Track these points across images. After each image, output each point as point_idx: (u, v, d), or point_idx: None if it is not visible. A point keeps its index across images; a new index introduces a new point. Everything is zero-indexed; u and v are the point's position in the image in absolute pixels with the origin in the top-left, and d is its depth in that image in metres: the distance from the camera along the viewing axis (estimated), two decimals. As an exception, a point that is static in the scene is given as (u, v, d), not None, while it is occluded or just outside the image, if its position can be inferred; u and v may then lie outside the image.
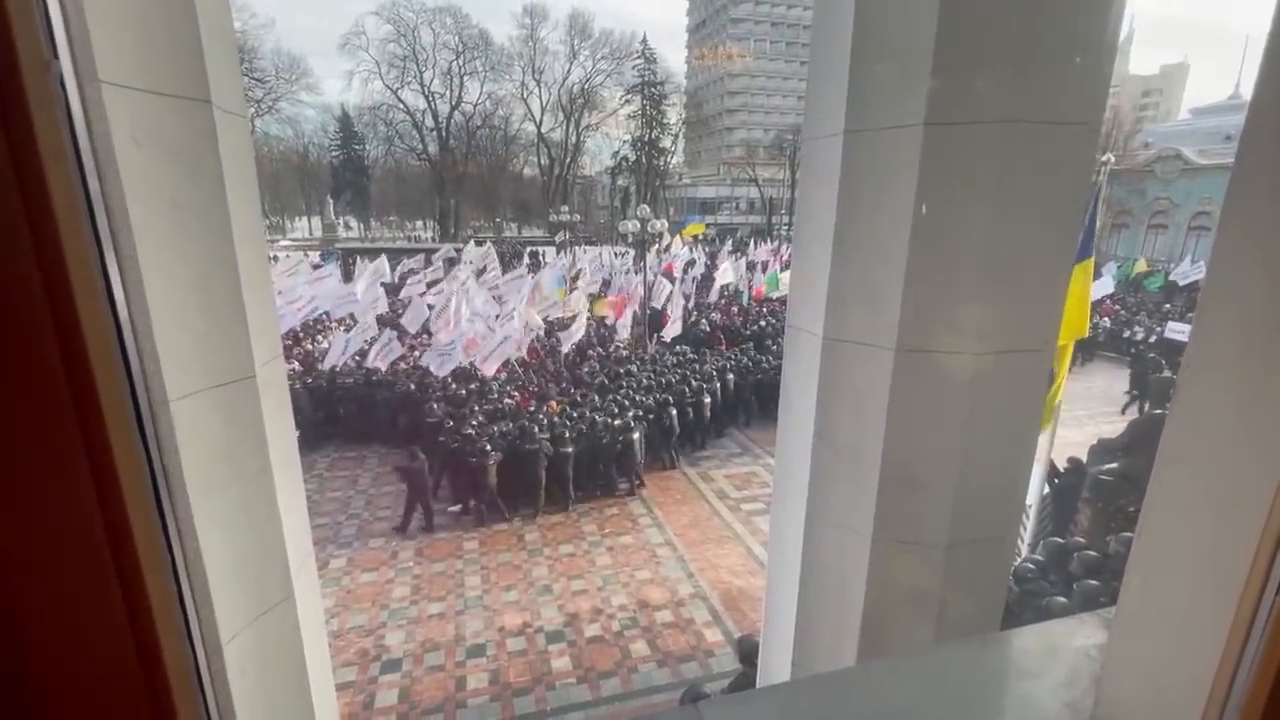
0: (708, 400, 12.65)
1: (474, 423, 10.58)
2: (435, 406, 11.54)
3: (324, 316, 18.09)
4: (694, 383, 12.91)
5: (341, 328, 17.11)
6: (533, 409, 11.47)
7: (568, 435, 10.28)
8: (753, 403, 14.16)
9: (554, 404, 11.60)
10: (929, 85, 2.28)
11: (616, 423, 10.78)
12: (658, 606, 8.01)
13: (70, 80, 0.39)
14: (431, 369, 12.61)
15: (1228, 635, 0.87)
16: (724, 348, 15.92)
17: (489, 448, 9.84)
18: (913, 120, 2.35)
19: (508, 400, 11.74)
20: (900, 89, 2.36)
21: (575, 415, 10.95)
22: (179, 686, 0.53)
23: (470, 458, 9.85)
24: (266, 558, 2.24)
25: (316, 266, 25.38)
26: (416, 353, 15.23)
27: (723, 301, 21.60)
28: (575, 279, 19.47)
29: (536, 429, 10.33)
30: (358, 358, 13.87)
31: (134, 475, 0.44)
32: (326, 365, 13.77)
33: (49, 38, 0.37)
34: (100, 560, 0.45)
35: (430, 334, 16.72)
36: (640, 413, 11.43)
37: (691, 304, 20.71)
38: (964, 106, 2.30)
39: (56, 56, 0.39)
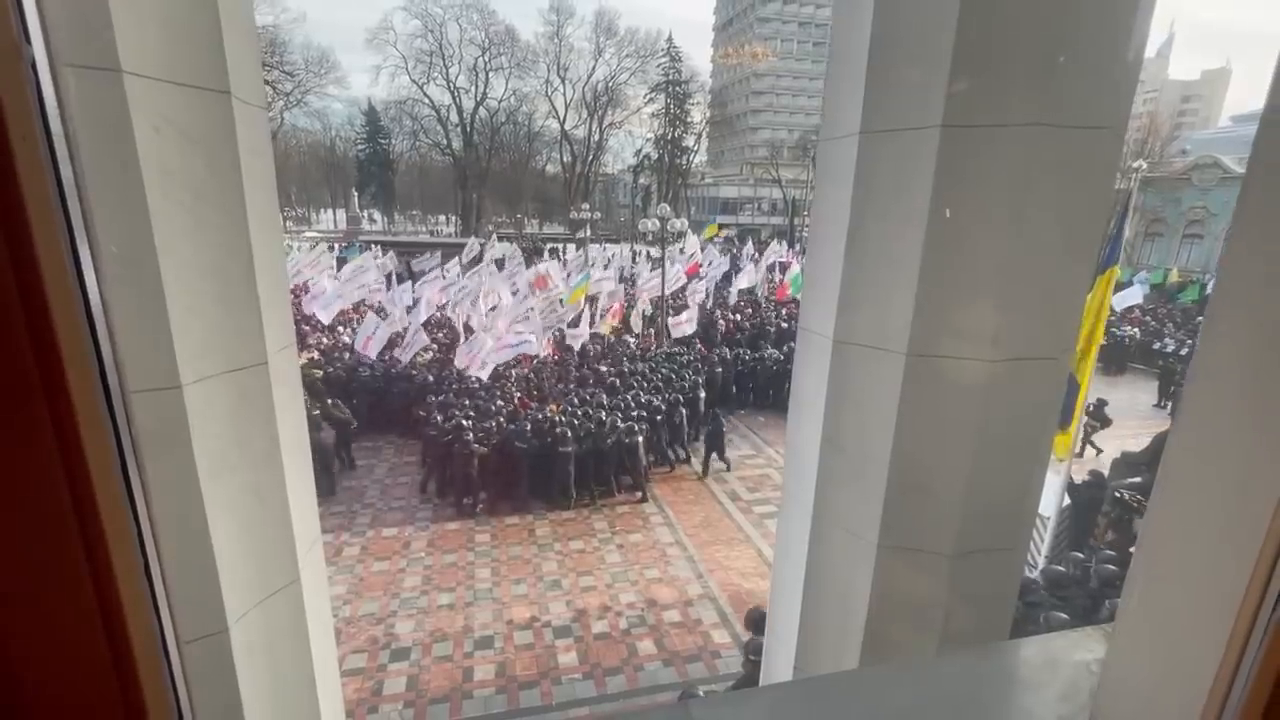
0: (702, 395, 13.15)
1: (467, 418, 10.64)
2: (431, 399, 11.65)
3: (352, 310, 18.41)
4: (689, 377, 13.36)
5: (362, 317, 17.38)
6: (533, 408, 11.49)
7: (569, 435, 10.18)
8: (737, 394, 15.23)
9: (555, 405, 11.60)
10: (947, 87, 2.25)
11: (622, 425, 10.68)
12: (666, 606, 8.01)
13: (44, 66, 0.40)
14: (457, 364, 12.72)
15: (1223, 653, 0.84)
16: (703, 349, 16.14)
17: (469, 437, 9.91)
18: (930, 122, 2.31)
19: (500, 402, 11.71)
20: (918, 90, 2.33)
21: (581, 415, 10.89)
22: (148, 679, 0.54)
23: (453, 445, 9.97)
24: (274, 541, 2.29)
25: (340, 260, 25.82)
26: (436, 346, 15.41)
27: (740, 303, 21.53)
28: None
29: (528, 427, 10.28)
30: (383, 358, 14.08)
31: (103, 463, 0.45)
32: (359, 347, 14.03)
33: (20, 22, 0.38)
34: (71, 553, 0.46)
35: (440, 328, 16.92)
36: (645, 413, 11.37)
37: (710, 303, 20.68)
38: (983, 109, 2.26)
39: (29, 41, 0.40)
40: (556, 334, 15.52)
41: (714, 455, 11.78)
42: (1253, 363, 0.90)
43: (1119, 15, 2.29)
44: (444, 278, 18.31)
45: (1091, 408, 12.08)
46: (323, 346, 15.60)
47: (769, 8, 67.96)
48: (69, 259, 0.42)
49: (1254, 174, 0.90)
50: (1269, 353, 0.88)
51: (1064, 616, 5.22)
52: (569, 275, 19.54)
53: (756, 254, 28.11)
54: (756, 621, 5.32)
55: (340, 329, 17.61)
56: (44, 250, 0.38)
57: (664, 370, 13.82)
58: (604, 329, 16.99)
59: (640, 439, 10.65)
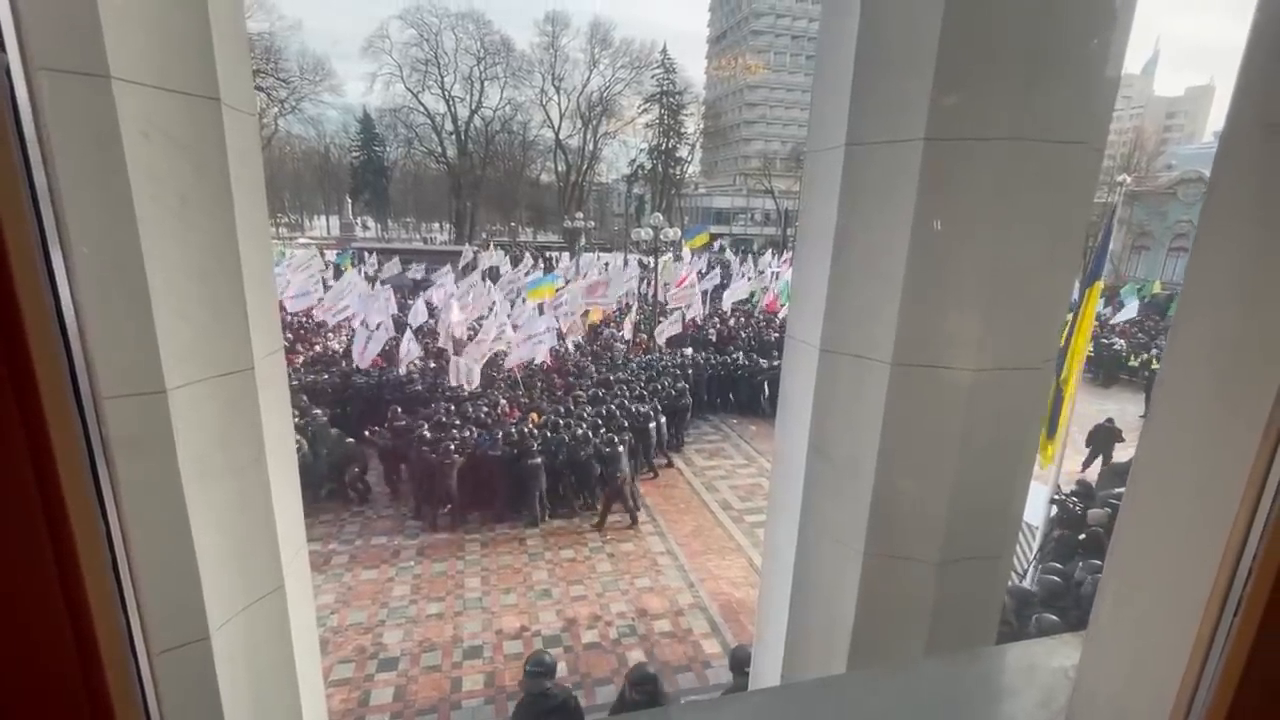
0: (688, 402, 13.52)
1: (450, 427, 10.51)
2: (398, 409, 11.52)
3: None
4: (668, 384, 13.51)
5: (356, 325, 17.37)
6: (517, 418, 11.38)
7: (535, 448, 9.85)
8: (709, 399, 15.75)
9: (535, 415, 11.51)
10: (930, 101, 2.29)
11: (601, 436, 10.46)
12: (656, 615, 7.97)
13: (18, 70, 0.41)
14: (457, 378, 12.61)
15: (1188, 659, 0.86)
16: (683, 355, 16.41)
17: (451, 446, 9.77)
18: (914, 135, 2.35)
19: (485, 409, 11.59)
20: (902, 103, 2.37)
21: (562, 426, 10.68)
22: (117, 689, 0.53)
23: (432, 454, 9.81)
24: (258, 548, 2.27)
25: (333, 264, 25.78)
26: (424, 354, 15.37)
27: (735, 311, 21.66)
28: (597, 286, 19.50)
29: (499, 436, 10.09)
30: (381, 362, 14.07)
31: (74, 467, 0.45)
32: (355, 356, 14.04)
33: (-8, 28, 0.39)
34: (40, 557, 0.46)
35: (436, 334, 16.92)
36: (628, 422, 11.26)
37: (705, 312, 20.77)
38: (965, 123, 2.30)
39: (3, 48, 0.41)
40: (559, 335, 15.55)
41: (625, 503, 10.19)
42: (1216, 374, 0.92)
43: (1098, 34, 2.35)
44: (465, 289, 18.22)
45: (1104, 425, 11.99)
46: (314, 353, 15.54)
47: (762, 21, 68.78)
48: (41, 263, 0.43)
49: (1216, 189, 0.93)
50: (1231, 364, 0.90)
51: (1054, 619, 5.25)
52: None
53: (743, 264, 28.30)
54: (740, 662, 5.21)
55: (331, 334, 17.55)
56: (16, 254, 0.39)
57: (643, 376, 13.90)
58: (594, 317, 17.10)
59: (622, 449, 10.36)
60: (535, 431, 10.47)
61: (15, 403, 0.41)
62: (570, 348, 16.33)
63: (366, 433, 11.15)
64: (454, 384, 12.38)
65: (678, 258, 26.26)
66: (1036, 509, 7.16)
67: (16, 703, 0.50)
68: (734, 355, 16.37)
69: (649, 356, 15.79)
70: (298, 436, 9.93)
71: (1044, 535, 7.41)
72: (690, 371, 14.92)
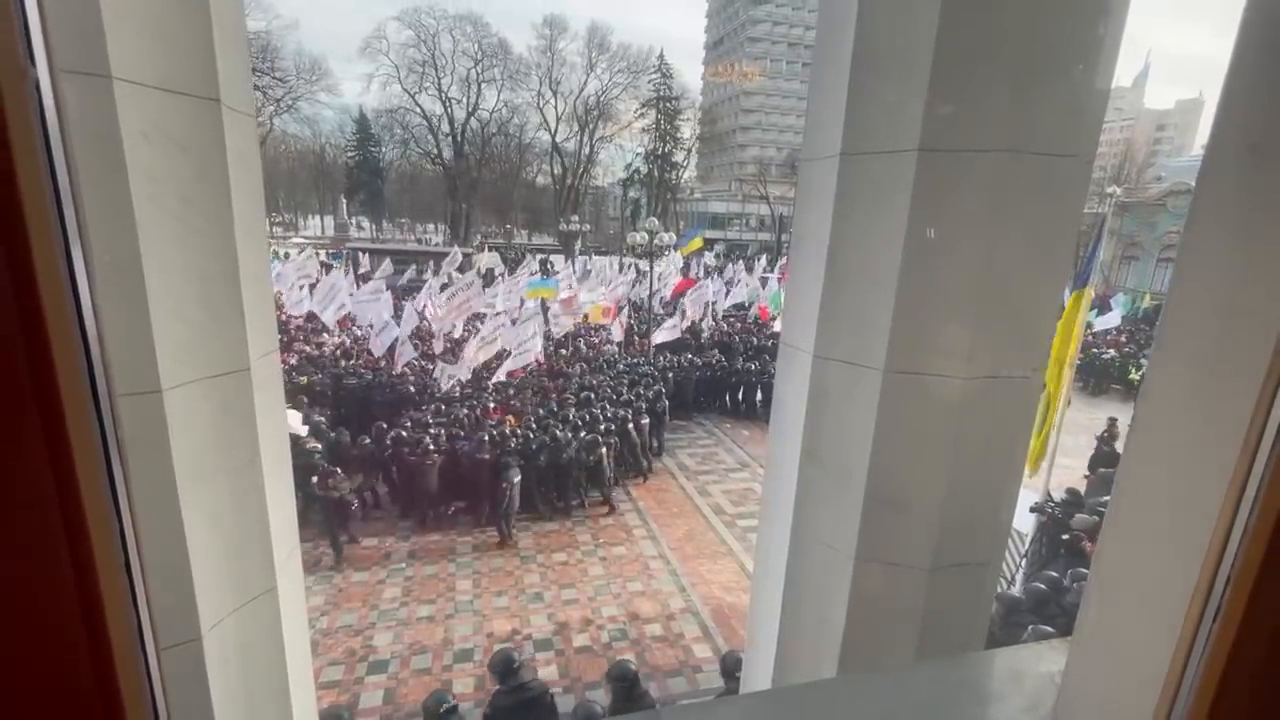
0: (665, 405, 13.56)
1: (434, 424, 10.49)
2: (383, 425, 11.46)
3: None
4: (648, 390, 13.58)
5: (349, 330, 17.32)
6: (494, 421, 11.35)
7: (513, 448, 9.78)
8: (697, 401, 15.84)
9: (514, 418, 11.46)
10: (924, 112, 2.32)
11: (583, 437, 10.39)
12: (648, 619, 7.97)
13: (44, 75, 0.42)
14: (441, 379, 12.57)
15: (1168, 665, 0.88)
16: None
17: (430, 445, 9.70)
18: (907, 146, 2.38)
19: (465, 411, 11.54)
20: (896, 115, 2.40)
21: (536, 428, 10.63)
22: (128, 687, 0.54)
23: (411, 456, 9.75)
24: (251, 549, 2.27)
25: (324, 265, 25.68)
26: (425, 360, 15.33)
27: (729, 316, 21.76)
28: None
29: (485, 438, 10.03)
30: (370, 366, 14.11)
31: (90, 467, 0.46)
32: (372, 342, 14.05)
33: (24, 33, 0.40)
34: (56, 556, 0.47)
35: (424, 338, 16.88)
36: (614, 425, 11.26)
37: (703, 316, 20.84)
38: (958, 135, 2.34)
39: (33, 61, 0.42)
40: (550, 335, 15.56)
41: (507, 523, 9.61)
42: (1198, 384, 0.94)
43: (1089, 47, 2.39)
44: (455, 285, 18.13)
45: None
46: (306, 354, 15.46)
47: (759, 28, 69.18)
48: (63, 264, 0.44)
49: (1199, 205, 0.96)
50: (1214, 374, 0.92)
51: (1049, 629, 5.28)
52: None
53: (735, 268, 28.42)
54: (731, 669, 5.21)
55: (325, 335, 17.48)
56: (40, 256, 0.40)
57: (625, 380, 13.95)
58: (595, 316, 17.17)
59: (604, 451, 10.38)
60: (515, 433, 10.46)
61: (35, 403, 0.42)
62: (559, 350, 16.36)
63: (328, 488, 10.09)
64: (444, 385, 12.37)
65: (677, 266, 26.35)
66: (1024, 515, 7.24)
67: (32, 699, 0.51)
68: (716, 358, 16.46)
69: (633, 360, 15.83)
70: (313, 440, 9.81)
71: (1031, 541, 7.47)
72: (670, 375, 14.96)
